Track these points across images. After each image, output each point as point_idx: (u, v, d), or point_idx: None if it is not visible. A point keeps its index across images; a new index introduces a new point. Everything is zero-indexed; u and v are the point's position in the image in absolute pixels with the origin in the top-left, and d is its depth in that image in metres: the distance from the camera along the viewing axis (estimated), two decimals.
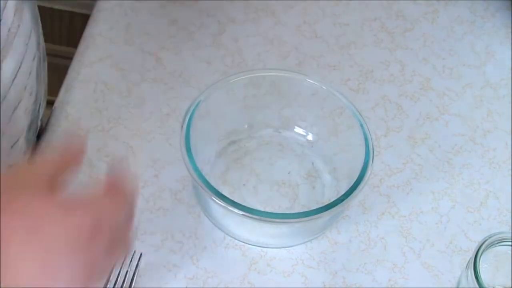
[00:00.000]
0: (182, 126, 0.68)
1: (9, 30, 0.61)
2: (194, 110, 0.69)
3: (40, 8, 1.01)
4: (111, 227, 0.47)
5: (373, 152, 0.68)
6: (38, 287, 0.43)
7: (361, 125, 0.70)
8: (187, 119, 0.68)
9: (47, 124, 0.77)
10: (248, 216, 0.64)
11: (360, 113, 0.70)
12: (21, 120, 0.67)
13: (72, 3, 1.26)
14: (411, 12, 0.88)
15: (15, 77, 0.64)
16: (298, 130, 0.76)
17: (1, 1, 0.59)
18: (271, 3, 0.87)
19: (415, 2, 0.89)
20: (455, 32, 0.87)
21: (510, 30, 0.87)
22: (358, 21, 0.86)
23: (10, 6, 0.61)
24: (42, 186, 0.46)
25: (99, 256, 0.47)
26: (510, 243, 0.65)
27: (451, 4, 0.89)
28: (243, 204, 0.64)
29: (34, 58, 0.67)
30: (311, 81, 0.73)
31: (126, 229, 0.50)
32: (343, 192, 0.65)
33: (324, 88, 0.72)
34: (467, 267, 0.65)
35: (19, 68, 0.64)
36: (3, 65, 0.61)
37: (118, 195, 0.49)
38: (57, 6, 1.26)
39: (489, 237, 0.64)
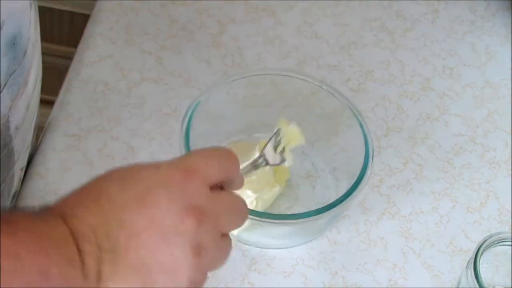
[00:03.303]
0: (182, 126, 0.68)
1: (33, 45, 0.62)
2: (193, 110, 0.69)
3: (40, 8, 1.01)
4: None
5: (373, 152, 0.68)
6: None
7: (361, 125, 0.70)
8: (186, 119, 0.68)
9: (47, 124, 0.77)
10: (248, 217, 0.64)
11: (360, 113, 0.70)
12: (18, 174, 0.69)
13: (72, 3, 1.26)
14: (411, 12, 0.88)
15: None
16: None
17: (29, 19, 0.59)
18: (271, 3, 0.87)
19: (415, 2, 0.89)
20: (455, 32, 0.87)
21: (510, 30, 0.87)
22: (358, 21, 0.86)
23: (33, 22, 0.61)
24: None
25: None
26: (510, 243, 0.65)
27: (451, 4, 0.89)
28: None
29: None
30: (311, 81, 0.73)
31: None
32: (343, 192, 0.65)
33: (324, 88, 0.72)
34: (467, 267, 0.65)
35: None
36: (30, 79, 0.62)
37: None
38: (57, 6, 1.26)
39: (489, 237, 0.64)
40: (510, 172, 0.77)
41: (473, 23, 0.88)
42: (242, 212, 0.52)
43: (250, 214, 0.64)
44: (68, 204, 0.46)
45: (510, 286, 0.68)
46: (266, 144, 0.66)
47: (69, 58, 0.84)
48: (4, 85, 0.57)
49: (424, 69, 0.83)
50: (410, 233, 0.72)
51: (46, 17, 1.27)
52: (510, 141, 0.79)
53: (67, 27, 1.29)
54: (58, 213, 0.45)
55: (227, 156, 0.51)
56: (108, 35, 0.83)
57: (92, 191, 0.47)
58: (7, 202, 0.66)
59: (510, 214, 0.74)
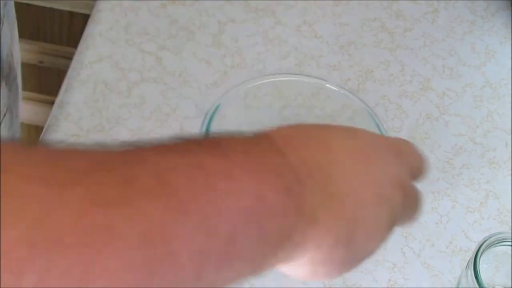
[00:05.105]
0: (201, 129, 0.67)
1: None
2: (213, 113, 0.68)
3: (40, 8, 1.01)
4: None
5: None
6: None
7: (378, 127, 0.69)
8: (206, 123, 0.67)
9: (47, 124, 0.77)
10: None
11: (377, 116, 0.70)
12: None
13: (72, 3, 1.26)
14: (411, 12, 0.88)
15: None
16: None
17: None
18: (271, 3, 0.87)
19: (415, 2, 0.89)
20: (455, 32, 0.87)
21: (510, 30, 0.87)
22: (358, 21, 0.86)
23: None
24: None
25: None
26: (510, 243, 0.65)
27: (451, 4, 0.89)
28: None
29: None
30: (330, 86, 0.72)
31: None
32: None
33: (342, 92, 0.72)
34: (467, 267, 0.65)
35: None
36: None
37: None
38: (57, 6, 1.26)
39: (489, 237, 0.64)
40: (510, 172, 0.77)
41: (473, 23, 0.88)
42: (419, 208, 0.50)
43: None
44: (285, 139, 0.41)
45: (510, 286, 0.68)
46: None
47: (69, 58, 0.84)
48: None
49: (424, 69, 0.83)
50: (410, 233, 0.72)
51: (46, 17, 1.27)
52: (510, 141, 0.79)
53: (67, 27, 1.29)
54: (272, 141, 0.40)
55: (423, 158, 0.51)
56: (108, 35, 0.83)
57: (311, 137, 0.43)
58: None
59: (510, 214, 0.74)
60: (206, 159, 0.34)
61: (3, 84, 0.61)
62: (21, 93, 0.68)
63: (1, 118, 0.62)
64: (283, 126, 0.43)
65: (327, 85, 0.72)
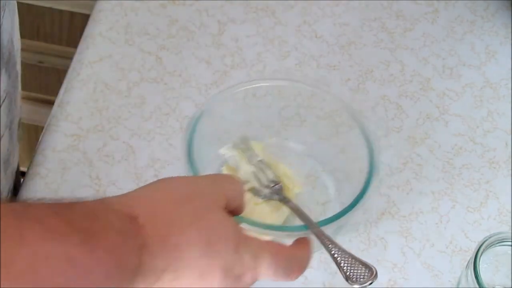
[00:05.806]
0: (184, 138, 0.67)
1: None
2: (196, 122, 0.68)
3: (40, 8, 1.01)
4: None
5: (377, 161, 0.67)
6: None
7: (367, 140, 0.69)
8: (189, 132, 0.67)
9: (47, 124, 0.77)
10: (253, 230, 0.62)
11: (367, 128, 0.70)
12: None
13: (72, 3, 1.26)
14: (411, 12, 0.88)
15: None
16: (300, 133, 0.76)
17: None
18: (271, 3, 0.87)
19: (415, 2, 0.89)
20: (455, 32, 0.87)
21: (510, 30, 0.87)
22: (358, 21, 0.86)
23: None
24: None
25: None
26: (510, 243, 0.65)
27: (451, 4, 0.89)
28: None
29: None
30: (308, 86, 0.72)
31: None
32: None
33: (331, 97, 0.72)
34: (467, 267, 0.65)
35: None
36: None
37: None
38: (57, 6, 1.26)
39: (489, 237, 0.64)
40: (510, 172, 0.77)
41: (473, 23, 0.88)
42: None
43: (264, 228, 0.63)
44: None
45: (510, 286, 0.68)
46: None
47: (69, 58, 0.84)
48: None
49: (424, 69, 0.83)
50: (410, 233, 0.72)
51: (46, 17, 1.27)
52: (510, 141, 0.79)
53: (67, 27, 1.29)
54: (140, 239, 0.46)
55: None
56: (108, 35, 0.83)
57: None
58: None
59: (510, 214, 0.74)
60: (73, 252, 0.40)
61: (3, 71, 0.62)
62: (20, 80, 0.68)
63: (1, 103, 0.63)
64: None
65: (317, 90, 0.72)
